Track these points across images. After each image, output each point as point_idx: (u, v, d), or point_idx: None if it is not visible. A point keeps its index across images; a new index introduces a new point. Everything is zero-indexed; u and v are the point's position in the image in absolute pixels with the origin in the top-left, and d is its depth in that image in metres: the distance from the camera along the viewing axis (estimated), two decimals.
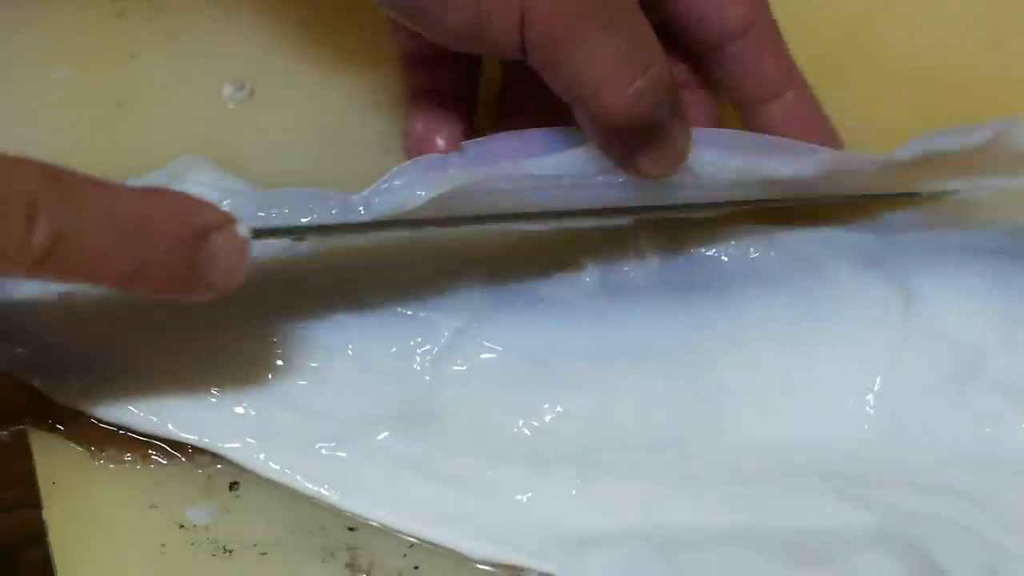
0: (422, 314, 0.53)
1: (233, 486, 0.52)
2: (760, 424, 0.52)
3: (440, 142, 0.55)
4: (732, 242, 0.55)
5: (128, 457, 0.52)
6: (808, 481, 0.51)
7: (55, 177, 0.44)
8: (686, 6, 0.54)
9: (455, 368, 0.53)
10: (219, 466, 0.52)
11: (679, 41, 0.55)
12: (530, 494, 0.51)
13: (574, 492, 0.51)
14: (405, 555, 0.50)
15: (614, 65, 0.49)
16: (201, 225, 0.46)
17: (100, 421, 0.52)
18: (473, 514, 0.51)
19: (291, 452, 0.51)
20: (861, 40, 0.62)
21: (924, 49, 0.61)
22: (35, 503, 0.52)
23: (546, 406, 0.52)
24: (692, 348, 0.53)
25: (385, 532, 0.51)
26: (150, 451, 0.52)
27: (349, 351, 0.53)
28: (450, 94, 0.56)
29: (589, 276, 0.54)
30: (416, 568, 0.50)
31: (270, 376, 0.53)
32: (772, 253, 0.55)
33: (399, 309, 0.53)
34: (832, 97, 0.59)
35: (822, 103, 0.57)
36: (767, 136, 0.54)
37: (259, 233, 0.49)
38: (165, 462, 0.52)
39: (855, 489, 0.51)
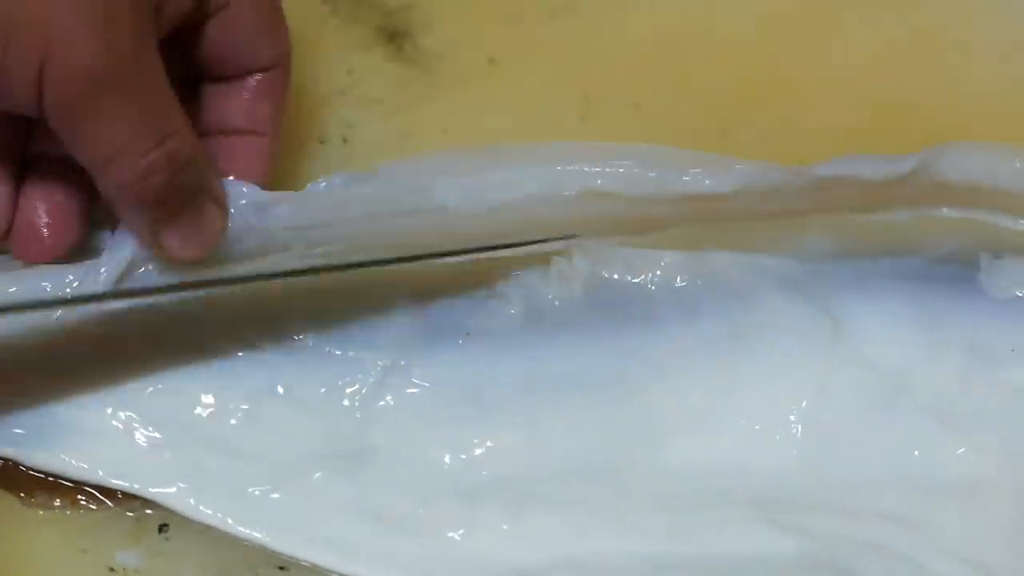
0: (351, 353, 0.53)
1: (163, 528, 0.51)
2: (689, 452, 0.52)
3: None
4: (658, 270, 0.55)
5: (58, 503, 0.52)
6: (737, 508, 0.51)
7: None
8: (212, 47, 0.53)
9: (384, 405, 0.53)
10: (148, 511, 0.52)
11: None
12: (462, 530, 0.51)
13: (506, 526, 0.51)
14: None
15: (128, 135, 0.47)
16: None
17: (30, 468, 0.52)
18: (405, 551, 0.51)
19: (222, 496, 0.51)
20: (782, 66, 0.62)
21: (846, 75, 0.62)
22: None
23: (476, 440, 0.53)
24: (620, 377, 0.53)
25: (316, 571, 0.51)
26: (79, 496, 0.52)
27: (279, 391, 0.53)
28: None
29: (515, 308, 0.54)
30: None
31: (200, 419, 0.53)
32: (699, 281, 0.55)
33: (327, 349, 0.54)
34: (755, 124, 0.60)
35: (738, 129, 0.58)
36: (685, 152, 0.54)
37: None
38: (95, 507, 0.52)
39: (784, 515, 0.51)
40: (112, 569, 0.51)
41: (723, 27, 0.63)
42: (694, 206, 0.53)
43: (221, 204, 0.51)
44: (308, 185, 0.53)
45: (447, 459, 0.52)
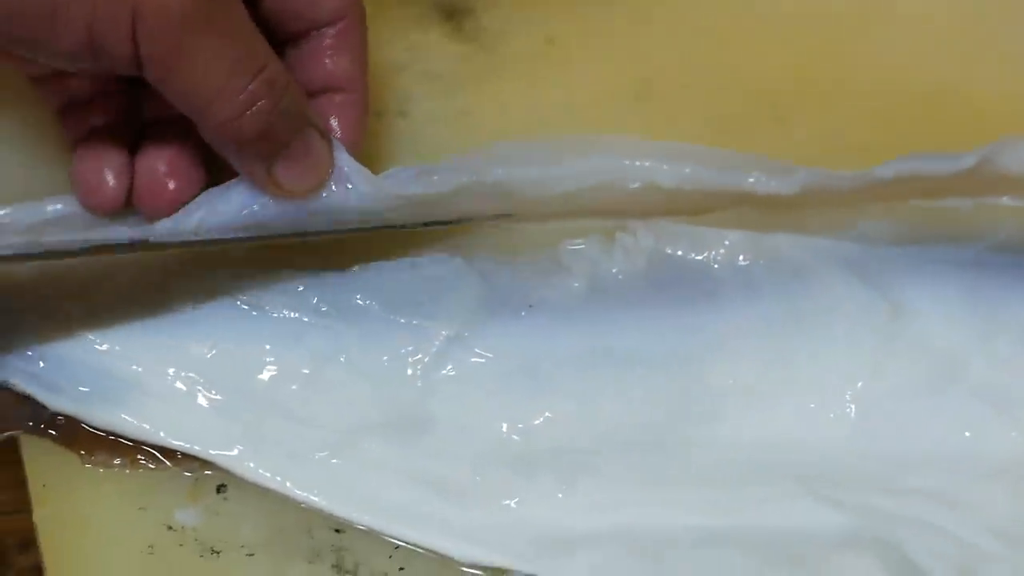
0: (415, 321, 0.54)
1: (221, 488, 0.52)
2: (741, 427, 0.53)
3: (111, 180, 0.53)
4: (721, 249, 0.55)
5: (117, 462, 0.52)
6: (786, 483, 0.52)
7: None
8: (280, 4, 0.53)
9: (446, 375, 0.53)
10: (207, 471, 0.52)
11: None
12: (517, 498, 0.52)
13: (560, 495, 0.52)
14: (391, 556, 0.51)
15: (224, 72, 0.48)
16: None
17: (91, 427, 0.53)
18: (460, 518, 0.51)
19: (280, 459, 0.52)
20: (834, 52, 0.62)
21: (900, 65, 0.62)
22: (25, 509, 0.52)
23: (534, 411, 0.53)
24: (678, 352, 0.54)
25: (371, 534, 0.51)
26: (139, 456, 0.52)
27: (341, 359, 0.54)
28: (109, 132, 0.54)
29: (578, 281, 0.55)
30: (402, 569, 0.51)
31: (261, 383, 0.53)
32: (761, 261, 0.55)
33: (392, 317, 0.54)
34: (808, 113, 0.60)
35: (790, 114, 0.58)
36: (742, 154, 0.55)
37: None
38: (153, 467, 0.52)
39: (832, 491, 0.52)
40: (171, 527, 0.51)
41: (775, 12, 0.64)
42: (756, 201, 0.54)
43: (325, 135, 0.51)
44: (387, 172, 0.53)
45: (504, 429, 0.53)
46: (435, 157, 0.58)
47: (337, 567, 0.51)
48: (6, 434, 0.53)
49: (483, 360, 0.54)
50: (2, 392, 0.53)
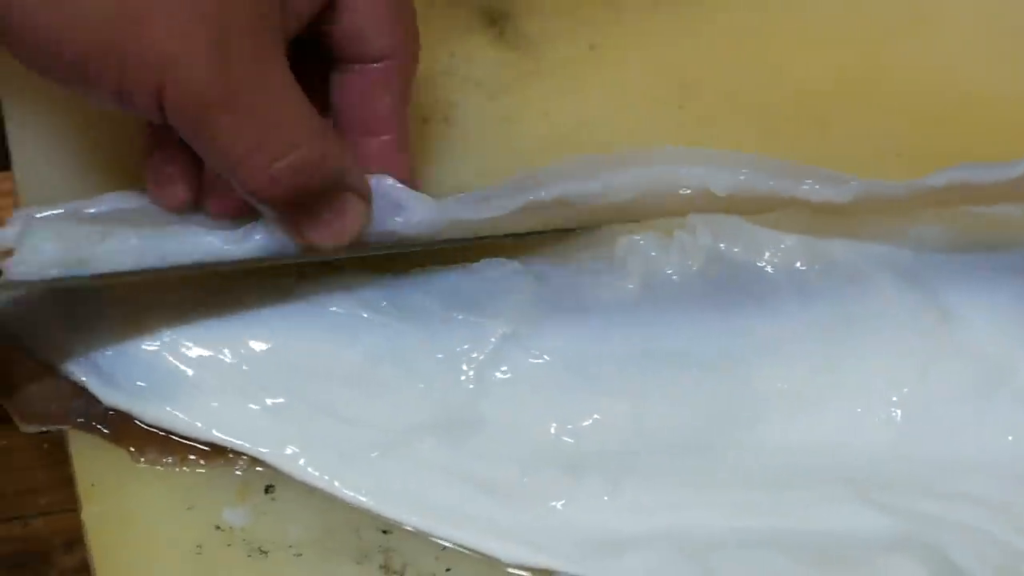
0: (472, 319, 0.54)
1: (269, 489, 0.52)
2: (788, 430, 0.53)
3: (180, 180, 0.54)
4: (778, 252, 0.56)
5: (168, 460, 0.53)
6: (833, 486, 0.52)
7: None
8: (342, 27, 0.53)
9: (499, 374, 0.54)
10: (258, 468, 0.52)
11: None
12: (564, 500, 0.52)
13: (606, 497, 0.52)
14: (437, 557, 0.51)
15: (248, 149, 0.49)
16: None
17: (143, 423, 0.53)
18: (507, 519, 0.51)
19: (330, 458, 0.52)
20: (876, 56, 0.63)
21: (941, 67, 0.62)
22: (71, 508, 0.53)
23: (584, 412, 0.53)
24: (728, 354, 0.54)
25: (418, 535, 0.51)
26: (190, 454, 0.53)
27: (396, 357, 0.54)
28: None
29: (633, 282, 0.55)
30: (448, 571, 0.51)
31: (316, 382, 0.53)
32: (816, 266, 0.56)
33: (449, 314, 0.54)
34: (849, 115, 0.61)
35: (833, 118, 0.59)
36: (795, 164, 0.55)
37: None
38: (204, 464, 0.53)
39: (878, 494, 0.52)
40: (219, 527, 0.51)
41: (817, 18, 0.64)
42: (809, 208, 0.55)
43: (362, 195, 0.52)
44: (448, 197, 0.54)
45: (553, 430, 0.53)
46: (479, 163, 0.59)
47: (385, 568, 0.51)
48: (58, 427, 0.53)
49: (535, 359, 0.54)
50: (62, 382, 0.53)
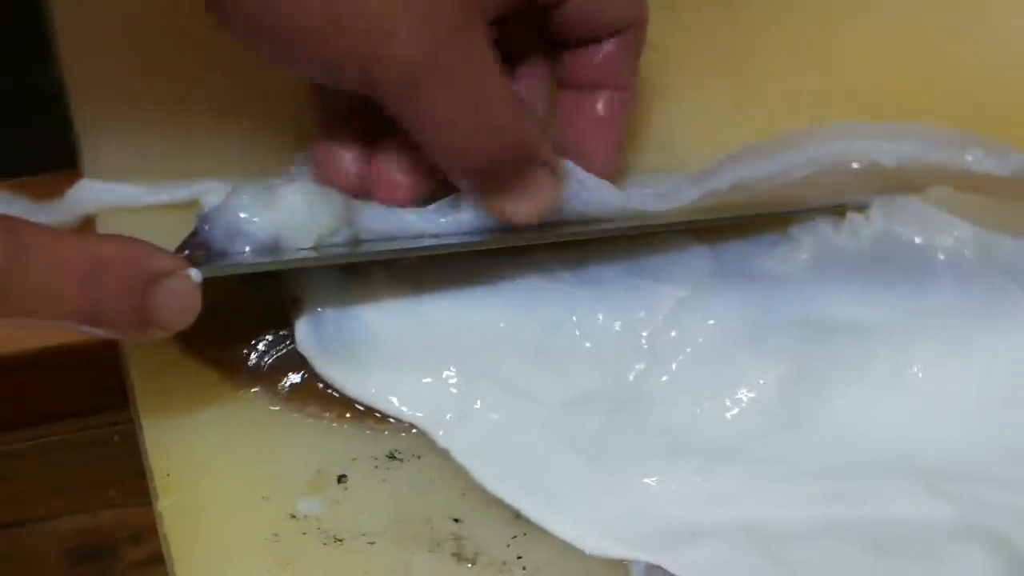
0: (650, 283, 0.56)
1: (341, 479, 0.53)
2: (866, 418, 0.54)
3: (348, 165, 0.56)
4: (949, 239, 0.56)
5: (327, 415, 0.54)
6: (903, 477, 0.52)
7: (3, 223, 0.45)
8: (572, 12, 0.56)
9: (673, 336, 0.55)
10: (402, 434, 0.54)
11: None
12: (656, 477, 0.53)
13: (693, 485, 0.53)
14: (509, 545, 0.52)
15: (447, 118, 0.51)
16: (151, 270, 0.48)
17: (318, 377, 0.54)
18: (592, 501, 0.52)
19: (478, 433, 0.54)
20: (938, 60, 0.63)
21: (1002, 65, 0.63)
22: (139, 501, 0.53)
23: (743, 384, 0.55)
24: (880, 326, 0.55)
25: (489, 522, 0.52)
26: (346, 412, 0.54)
27: (572, 323, 0.55)
28: (356, 117, 0.56)
29: (805, 253, 0.56)
30: (520, 558, 0.51)
31: (489, 350, 0.55)
32: (980, 255, 0.56)
33: (626, 279, 0.56)
34: (908, 118, 0.61)
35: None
36: (958, 132, 0.55)
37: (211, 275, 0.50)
38: (355, 423, 0.54)
39: (947, 485, 0.52)
40: (293, 516, 0.52)
41: (870, 19, 0.65)
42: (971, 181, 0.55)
43: (554, 170, 0.54)
44: (627, 190, 0.56)
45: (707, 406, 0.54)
46: None
47: (457, 555, 0.51)
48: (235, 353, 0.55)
49: (709, 323, 0.55)
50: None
